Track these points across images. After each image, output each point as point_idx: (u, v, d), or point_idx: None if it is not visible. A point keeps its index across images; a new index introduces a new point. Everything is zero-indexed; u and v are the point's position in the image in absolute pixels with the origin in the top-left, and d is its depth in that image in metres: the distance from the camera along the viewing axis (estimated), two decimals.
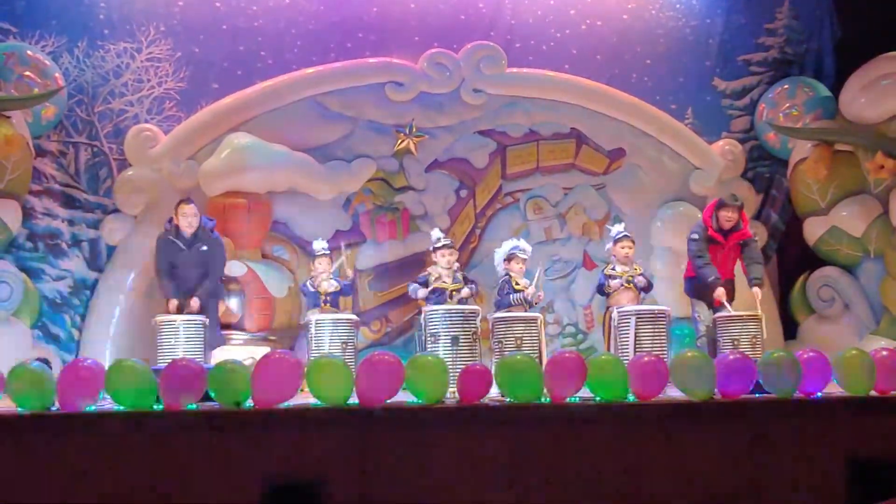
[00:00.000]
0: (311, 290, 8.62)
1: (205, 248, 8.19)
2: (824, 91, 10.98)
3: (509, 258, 8.24)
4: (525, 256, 8.26)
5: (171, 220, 8.25)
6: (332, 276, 8.70)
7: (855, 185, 10.50)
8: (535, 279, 8.07)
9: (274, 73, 10.36)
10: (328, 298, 8.53)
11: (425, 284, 8.12)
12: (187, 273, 8.15)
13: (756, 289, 8.19)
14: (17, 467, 5.03)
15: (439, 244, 8.27)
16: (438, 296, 8.00)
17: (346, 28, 10.60)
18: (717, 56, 11.25)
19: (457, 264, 8.36)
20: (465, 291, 8.11)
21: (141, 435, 5.21)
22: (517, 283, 8.11)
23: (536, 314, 7.66)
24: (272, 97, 10.27)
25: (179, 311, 7.93)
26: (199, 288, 8.11)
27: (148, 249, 8.59)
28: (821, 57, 11.26)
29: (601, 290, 8.52)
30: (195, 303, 8.02)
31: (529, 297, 7.98)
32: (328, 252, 8.81)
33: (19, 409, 5.47)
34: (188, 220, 8.10)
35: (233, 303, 9.82)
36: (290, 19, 10.53)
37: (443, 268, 8.18)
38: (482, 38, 10.69)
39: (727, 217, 8.19)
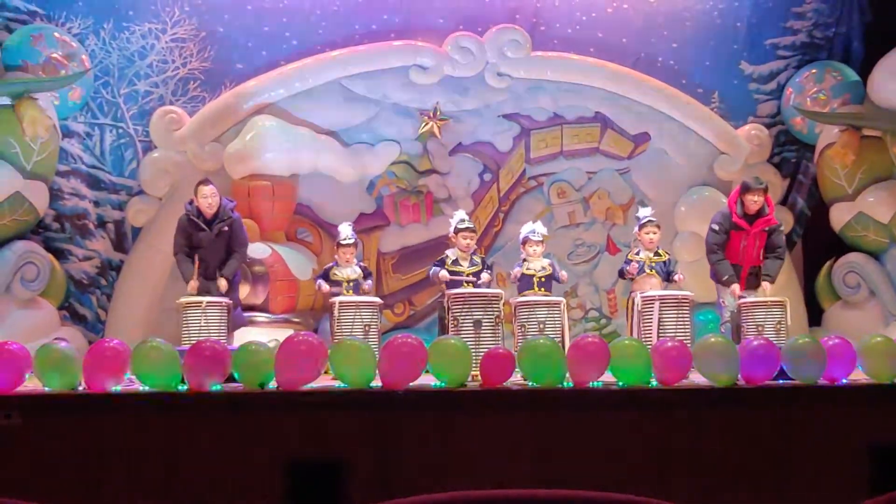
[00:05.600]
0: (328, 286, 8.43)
1: (226, 228, 8.20)
2: (852, 76, 10.87)
3: (524, 241, 8.29)
4: (538, 239, 8.26)
5: (191, 202, 8.26)
6: (356, 262, 8.63)
7: (883, 171, 10.40)
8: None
9: (299, 54, 10.37)
10: (350, 285, 8.42)
11: (442, 266, 8.12)
12: (209, 254, 8.15)
13: (766, 284, 8.13)
14: (42, 446, 5.09)
15: (462, 226, 8.26)
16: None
17: (371, 10, 10.58)
18: (745, 40, 11.13)
19: (475, 247, 8.35)
20: (486, 277, 8.11)
21: (165, 415, 5.25)
22: (528, 269, 8.15)
23: (559, 298, 7.67)
24: (297, 79, 10.28)
25: (199, 292, 7.93)
26: (224, 268, 8.13)
27: (173, 231, 8.62)
28: (849, 41, 11.13)
29: (621, 273, 8.51)
30: (223, 283, 8.04)
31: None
32: (353, 240, 8.66)
33: (46, 388, 5.52)
34: (207, 201, 8.10)
35: (257, 285, 9.85)
36: (315, 0, 10.53)
37: (461, 251, 8.18)
38: (507, 22, 10.63)
39: (753, 200, 8.12)
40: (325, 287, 8.31)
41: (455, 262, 8.11)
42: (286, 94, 10.26)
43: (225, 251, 8.22)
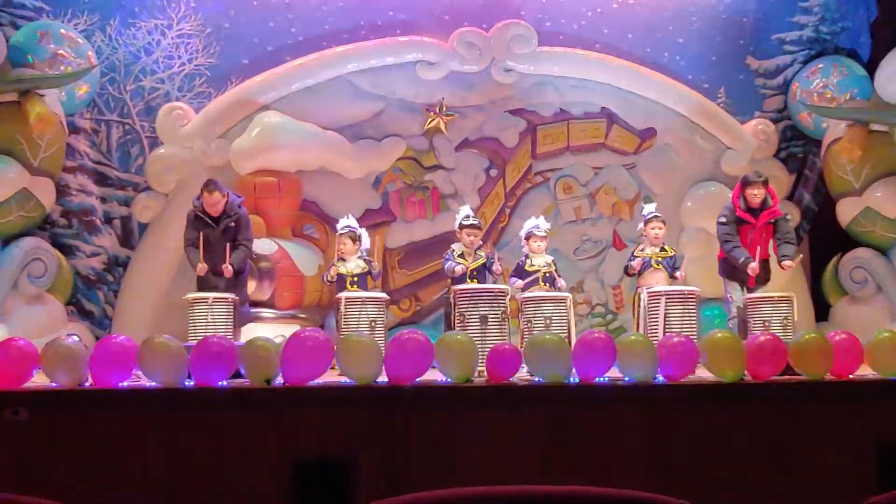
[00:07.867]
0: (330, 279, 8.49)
1: (232, 224, 8.21)
2: (859, 70, 10.83)
3: (527, 237, 8.30)
4: (542, 234, 8.29)
5: (199, 197, 8.27)
6: (360, 256, 8.60)
7: (890, 166, 10.38)
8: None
9: (304, 50, 10.38)
10: (355, 279, 8.39)
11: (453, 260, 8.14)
12: (216, 248, 8.16)
13: (787, 261, 8.08)
14: (49, 442, 5.10)
15: (466, 222, 8.26)
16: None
17: (377, 5, 10.58)
18: (751, 35, 11.10)
19: (480, 243, 8.35)
20: (497, 268, 8.10)
21: (172, 411, 5.26)
22: (531, 264, 8.16)
23: (566, 294, 7.67)
24: (303, 75, 10.29)
25: (206, 286, 7.93)
26: (231, 255, 8.09)
27: (179, 228, 8.62)
28: (856, 36, 11.08)
29: (627, 271, 8.50)
30: (228, 269, 8.01)
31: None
32: (356, 230, 8.64)
33: (53, 384, 5.54)
34: (213, 208, 8.13)
35: (263, 281, 9.85)
36: None
37: (465, 246, 8.18)
38: (513, 17, 10.63)
39: (753, 194, 8.12)
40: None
41: (461, 255, 8.14)
42: (292, 89, 10.28)
43: (232, 245, 8.22)
